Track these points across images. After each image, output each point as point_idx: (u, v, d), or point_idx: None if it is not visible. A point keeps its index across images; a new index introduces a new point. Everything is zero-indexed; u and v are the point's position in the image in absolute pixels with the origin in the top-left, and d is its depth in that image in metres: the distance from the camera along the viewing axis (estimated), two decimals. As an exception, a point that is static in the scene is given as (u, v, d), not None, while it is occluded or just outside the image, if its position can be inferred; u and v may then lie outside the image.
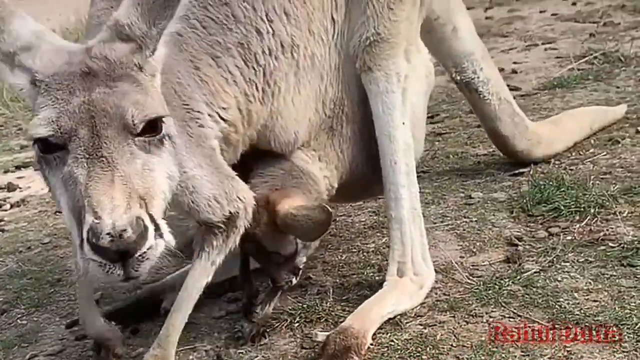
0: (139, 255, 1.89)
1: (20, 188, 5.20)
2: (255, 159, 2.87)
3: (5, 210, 4.79)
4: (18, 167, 5.65)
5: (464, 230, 3.38)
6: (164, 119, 2.07)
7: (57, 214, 4.53)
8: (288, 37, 2.71)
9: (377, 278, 3.08)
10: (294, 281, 2.90)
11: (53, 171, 2.02)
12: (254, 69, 2.67)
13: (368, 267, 3.21)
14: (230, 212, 2.59)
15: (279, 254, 2.79)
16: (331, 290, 3.05)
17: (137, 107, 1.99)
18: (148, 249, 1.90)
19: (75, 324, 3.12)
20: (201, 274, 2.65)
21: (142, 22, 2.08)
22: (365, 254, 3.34)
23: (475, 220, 3.45)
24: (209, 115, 2.58)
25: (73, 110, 1.97)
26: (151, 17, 2.08)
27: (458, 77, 3.68)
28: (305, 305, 2.95)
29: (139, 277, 1.95)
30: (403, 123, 2.84)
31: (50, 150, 2.00)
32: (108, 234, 1.83)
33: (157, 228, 1.96)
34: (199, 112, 2.54)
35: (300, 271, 2.94)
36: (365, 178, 3.05)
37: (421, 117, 3.05)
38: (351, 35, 2.83)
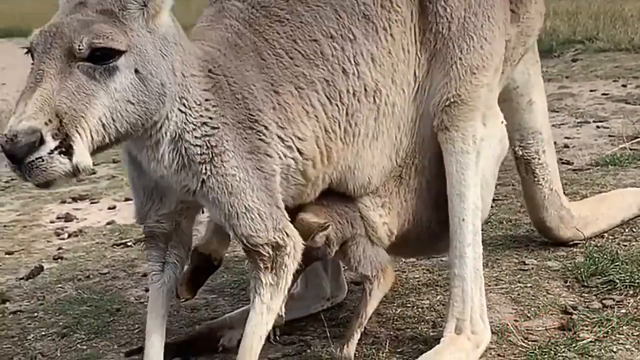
0: (28, 163, 2.12)
1: (77, 219, 5.34)
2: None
3: (63, 239, 4.92)
4: (74, 199, 5.80)
5: (518, 294, 3.44)
6: (124, 54, 2.26)
7: (115, 246, 4.67)
8: (372, 81, 2.78)
9: (431, 334, 3.14)
10: None
11: None
12: (337, 106, 2.74)
13: (422, 323, 3.27)
14: (276, 242, 2.58)
15: None
16: (387, 342, 3.10)
17: (90, 34, 2.21)
18: (37, 159, 2.12)
19: (134, 353, 3.20)
20: (258, 322, 2.62)
21: None
22: (419, 309, 3.40)
23: (530, 286, 3.51)
24: (280, 137, 2.64)
25: (44, 28, 2.26)
26: None
27: (520, 152, 3.76)
28: (362, 354, 3.01)
29: (35, 183, 2.18)
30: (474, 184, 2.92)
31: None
32: (5, 135, 2.11)
33: (66, 147, 2.16)
34: (264, 126, 2.60)
35: None
36: (428, 232, 3.12)
37: (491, 181, 3.11)
38: (432, 94, 2.90)
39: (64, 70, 2.20)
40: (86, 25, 2.23)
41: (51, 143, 2.13)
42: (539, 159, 3.76)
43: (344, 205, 2.95)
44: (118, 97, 2.26)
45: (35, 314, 3.74)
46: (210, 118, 2.49)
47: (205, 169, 2.49)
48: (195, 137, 2.47)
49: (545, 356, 2.89)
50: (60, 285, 4.09)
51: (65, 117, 2.16)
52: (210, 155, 2.48)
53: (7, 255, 4.67)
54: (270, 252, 2.58)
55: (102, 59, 2.23)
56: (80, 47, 2.20)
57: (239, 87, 2.58)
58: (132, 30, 2.30)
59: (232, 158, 2.51)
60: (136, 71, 2.29)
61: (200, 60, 2.53)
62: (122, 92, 2.26)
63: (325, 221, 2.83)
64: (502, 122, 3.10)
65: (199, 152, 2.48)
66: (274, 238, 2.57)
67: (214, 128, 2.49)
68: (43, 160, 2.13)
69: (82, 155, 2.19)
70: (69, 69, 2.20)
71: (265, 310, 2.62)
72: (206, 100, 2.50)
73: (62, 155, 2.15)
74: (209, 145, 2.48)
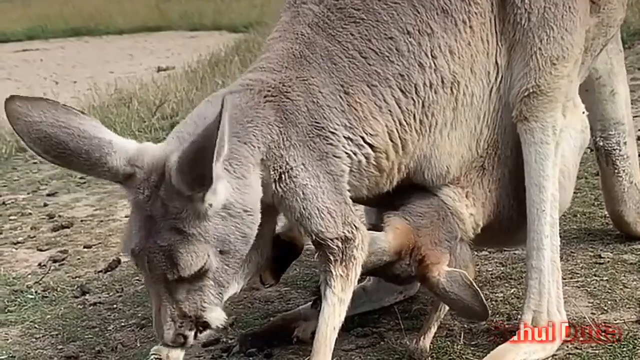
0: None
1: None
2: (400, 192, 2.96)
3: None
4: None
5: (594, 288, 3.40)
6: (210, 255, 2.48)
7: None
8: (450, 74, 2.80)
9: (506, 326, 3.11)
10: None
11: None
12: (412, 99, 2.76)
13: (497, 315, 3.25)
14: (345, 235, 2.66)
15: None
16: (461, 335, 3.10)
17: (176, 268, 2.44)
18: (190, 346, 2.62)
19: (211, 344, 3.26)
20: (331, 314, 2.69)
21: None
22: (493, 302, 3.38)
23: (606, 280, 3.47)
24: (348, 138, 2.70)
25: (135, 250, 2.47)
26: None
27: (601, 143, 3.71)
28: (436, 347, 3.01)
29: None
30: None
31: None
32: (163, 343, 2.55)
33: (203, 327, 2.57)
34: (331, 132, 2.67)
35: None
36: (509, 223, 3.11)
37: (572, 171, 3.10)
38: (512, 84, 2.90)
39: (171, 285, 2.49)
40: (169, 257, 2.43)
41: (192, 334, 2.56)
42: (620, 150, 3.71)
43: (441, 224, 2.95)
44: (216, 277, 2.53)
45: (115, 306, 3.84)
46: (277, 147, 2.62)
47: (277, 187, 2.63)
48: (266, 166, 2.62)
49: (624, 349, 2.86)
50: (137, 278, 4.17)
51: (191, 314, 2.53)
52: (281, 176, 2.62)
53: (85, 249, 4.79)
54: (340, 245, 2.66)
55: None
56: (175, 278, 2.47)
57: (304, 100, 2.65)
58: (203, 234, 2.45)
59: (302, 171, 2.62)
60: (221, 252, 2.50)
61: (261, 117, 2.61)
62: (217, 272, 2.52)
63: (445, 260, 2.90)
64: (584, 113, 3.07)
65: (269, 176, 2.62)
66: (343, 232, 2.65)
67: (280, 152, 2.62)
68: (194, 345, 2.65)
69: (216, 320, 2.59)
70: (174, 283, 2.48)
71: (337, 302, 2.69)
72: (271, 140, 2.61)
73: (203, 331, 2.60)
74: (277, 169, 2.62)
